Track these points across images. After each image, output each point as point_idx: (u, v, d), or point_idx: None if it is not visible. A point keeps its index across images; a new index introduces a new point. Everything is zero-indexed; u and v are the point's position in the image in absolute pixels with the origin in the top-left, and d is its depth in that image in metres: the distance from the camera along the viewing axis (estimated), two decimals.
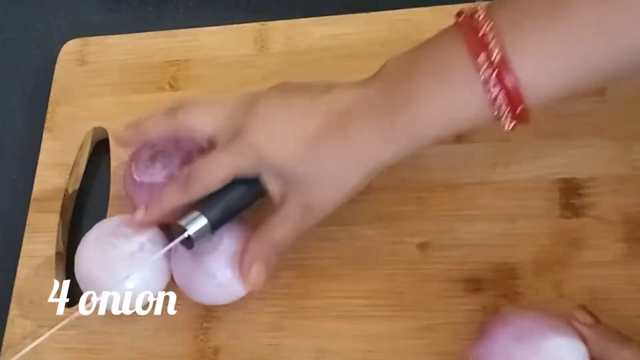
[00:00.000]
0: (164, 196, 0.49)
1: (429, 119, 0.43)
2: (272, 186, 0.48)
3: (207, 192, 0.48)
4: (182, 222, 0.47)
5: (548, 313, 0.44)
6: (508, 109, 0.40)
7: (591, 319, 0.44)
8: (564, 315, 0.44)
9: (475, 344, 0.44)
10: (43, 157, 0.62)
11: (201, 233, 0.48)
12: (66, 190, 0.60)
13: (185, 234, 0.47)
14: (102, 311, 0.53)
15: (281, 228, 0.48)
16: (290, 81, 0.49)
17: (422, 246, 0.51)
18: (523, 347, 0.42)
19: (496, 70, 0.39)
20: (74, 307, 0.56)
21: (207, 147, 0.51)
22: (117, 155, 0.60)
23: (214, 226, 0.48)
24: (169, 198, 0.49)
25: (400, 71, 0.44)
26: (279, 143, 0.46)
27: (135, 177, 0.54)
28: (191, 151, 0.54)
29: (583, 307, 0.45)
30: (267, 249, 0.48)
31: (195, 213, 0.48)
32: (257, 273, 0.48)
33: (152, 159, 0.54)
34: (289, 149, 0.45)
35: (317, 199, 0.47)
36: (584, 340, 0.43)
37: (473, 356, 0.44)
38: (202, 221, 0.47)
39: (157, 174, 0.53)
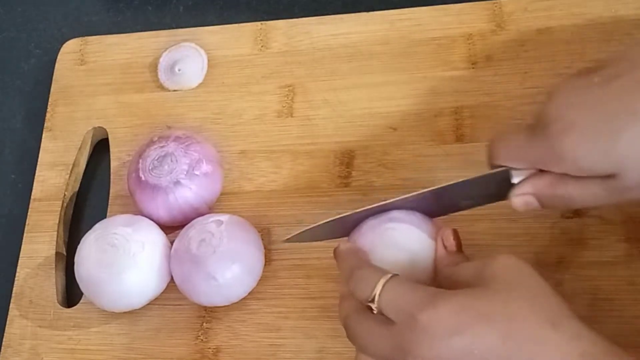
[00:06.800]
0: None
1: None
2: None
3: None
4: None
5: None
6: None
7: (454, 244, 0.45)
8: None
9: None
10: (43, 157, 0.62)
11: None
12: (66, 190, 0.60)
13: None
14: (102, 311, 0.54)
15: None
16: None
17: None
18: (374, 221, 0.46)
19: None
20: (74, 307, 0.56)
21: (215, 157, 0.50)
22: (117, 156, 0.60)
23: None
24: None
25: None
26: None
27: (141, 174, 0.54)
28: (200, 159, 0.54)
29: (454, 232, 0.45)
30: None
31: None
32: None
33: (160, 160, 0.54)
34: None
35: None
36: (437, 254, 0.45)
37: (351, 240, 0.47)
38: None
39: (162, 176, 0.53)
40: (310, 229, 0.47)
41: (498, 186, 0.44)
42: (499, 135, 0.44)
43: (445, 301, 0.38)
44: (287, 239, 0.48)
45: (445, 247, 0.45)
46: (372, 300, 0.41)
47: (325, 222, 0.47)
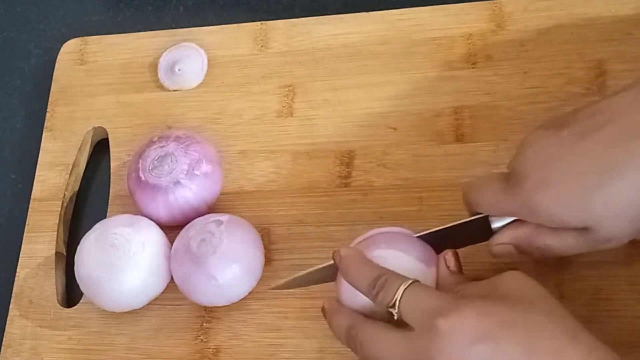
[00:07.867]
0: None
1: None
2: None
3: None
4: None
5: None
6: None
7: (455, 266, 0.45)
8: None
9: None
10: (43, 157, 0.62)
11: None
12: (66, 190, 0.60)
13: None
14: (102, 311, 0.53)
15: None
16: None
17: None
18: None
19: None
20: (74, 307, 0.56)
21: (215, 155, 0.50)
22: (117, 156, 0.60)
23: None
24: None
25: None
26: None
27: (141, 174, 0.54)
28: (200, 159, 0.54)
29: (454, 253, 0.45)
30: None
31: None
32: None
33: (160, 160, 0.54)
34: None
35: None
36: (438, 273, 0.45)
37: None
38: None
39: (162, 176, 0.53)
40: (295, 277, 0.47)
41: (479, 230, 0.45)
42: (475, 184, 0.45)
43: (468, 306, 0.38)
44: (274, 286, 0.49)
45: (448, 267, 0.45)
46: (393, 306, 0.40)
47: (312, 271, 0.47)
